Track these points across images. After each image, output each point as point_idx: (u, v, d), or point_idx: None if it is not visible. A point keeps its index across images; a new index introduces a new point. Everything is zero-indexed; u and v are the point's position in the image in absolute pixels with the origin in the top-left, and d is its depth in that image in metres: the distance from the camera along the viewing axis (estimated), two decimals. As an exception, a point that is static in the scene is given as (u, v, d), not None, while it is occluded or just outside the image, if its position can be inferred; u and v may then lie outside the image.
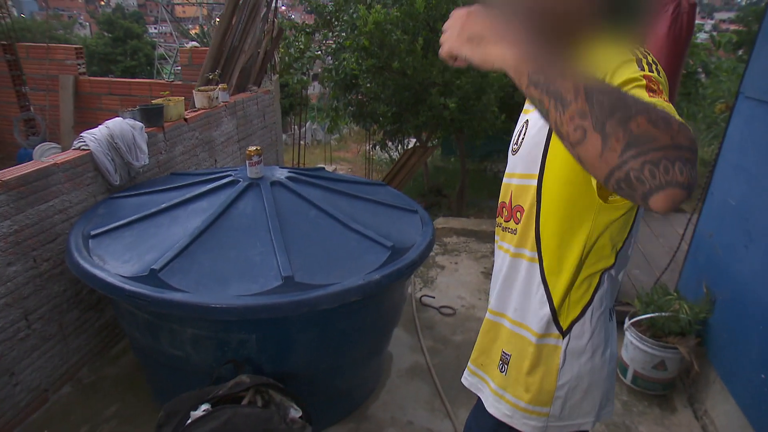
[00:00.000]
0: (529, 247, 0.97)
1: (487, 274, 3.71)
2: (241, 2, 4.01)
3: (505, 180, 1.06)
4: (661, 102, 0.67)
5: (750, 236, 2.15)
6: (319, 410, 1.92)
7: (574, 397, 0.98)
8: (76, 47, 5.23)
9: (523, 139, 0.98)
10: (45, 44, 5.25)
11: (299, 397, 1.77)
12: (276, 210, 2.07)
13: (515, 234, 1.00)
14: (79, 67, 5.18)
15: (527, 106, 1.04)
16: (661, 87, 0.72)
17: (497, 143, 9.91)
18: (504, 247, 1.05)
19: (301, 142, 8.69)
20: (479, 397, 1.12)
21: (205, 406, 1.54)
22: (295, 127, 11.33)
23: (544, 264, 0.96)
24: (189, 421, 1.49)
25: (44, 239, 2.22)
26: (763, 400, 1.94)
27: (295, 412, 1.69)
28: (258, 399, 1.65)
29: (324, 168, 3.09)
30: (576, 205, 0.89)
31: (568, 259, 0.93)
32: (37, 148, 5.06)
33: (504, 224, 1.05)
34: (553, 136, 0.87)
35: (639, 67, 0.75)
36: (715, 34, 7.78)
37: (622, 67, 0.76)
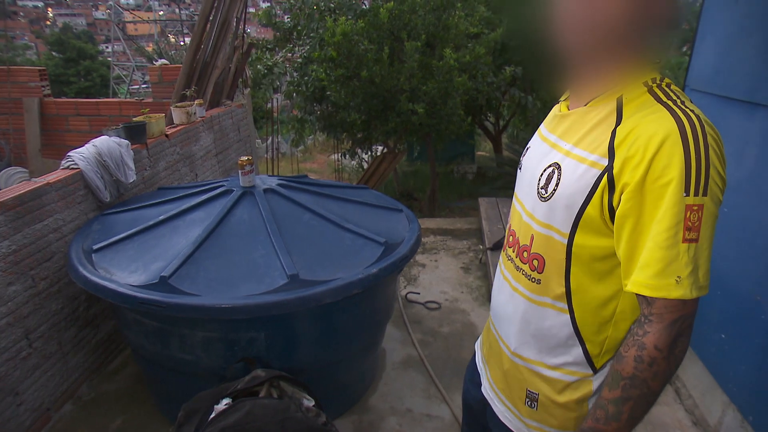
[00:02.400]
0: (557, 297, 0.95)
1: (467, 269, 3.89)
2: (211, 17, 4.08)
3: (525, 218, 1.00)
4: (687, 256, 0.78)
5: (704, 213, 2.39)
6: (322, 405, 2.02)
7: None
8: (39, 69, 5.15)
9: (555, 189, 0.91)
10: (6, 67, 5.16)
11: (309, 387, 1.87)
12: (272, 215, 2.17)
13: (535, 282, 0.98)
14: (43, 89, 5.10)
15: (549, 134, 0.99)
16: (699, 215, 0.77)
17: (462, 146, 10.23)
18: (519, 290, 1.02)
19: (266, 156, 8.75)
20: (500, 419, 1.13)
21: (226, 401, 1.62)
22: (259, 140, 11.35)
23: (575, 316, 0.94)
24: (213, 414, 1.57)
25: (41, 258, 2.24)
26: (723, 356, 2.17)
27: (308, 402, 1.79)
28: (273, 392, 1.75)
29: (307, 176, 3.20)
30: (608, 260, 0.89)
31: (604, 313, 0.93)
32: (2, 173, 4.96)
33: (519, 264, 1.02)
34: (595, 197, 0.85)
35: (685, 184, 0.77)
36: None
37: (671, 186, 0.77)
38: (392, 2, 5.16)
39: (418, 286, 3.65)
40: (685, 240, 0.77)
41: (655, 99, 0.84)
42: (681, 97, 0.85)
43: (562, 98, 1.07)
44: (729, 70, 2.25)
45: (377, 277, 1.97)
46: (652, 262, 0.78)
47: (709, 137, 0.78)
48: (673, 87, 0.87)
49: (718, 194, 0.79)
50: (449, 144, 8.44)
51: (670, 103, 0.82)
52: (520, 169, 1.07)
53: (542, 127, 1.06)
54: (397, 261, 2.09)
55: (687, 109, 0.81)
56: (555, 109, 1.05)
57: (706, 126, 0.79)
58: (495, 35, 5.50)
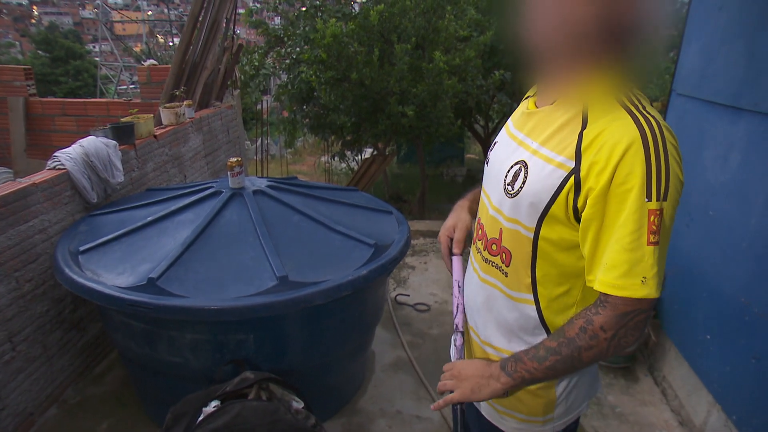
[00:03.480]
0: (523, 288, 0.99)
1: (456, 270, 3.89)
2: (201, 18, 4.06)
3: (491, 212, 1.03)
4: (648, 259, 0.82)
5: (690, 216, 2.43)
6: (312, 407, 2.01)
7: (572, 395, 1.06)
8: (24, 68, 5.08)
9: (521, 187, 0.93)
10: (-10, 66, 5.09)
11: (299, 389, 1.86)
12: (262, 217, 2.16)
13: (504, 275, 1.01)
14: (28, 88, 5.03)
15: (516, 132, 1.01)
16: (663, 216, 0.81)
17: (451, 149, 10.28)
18: (488, 281, 1.06)
19: (255, 157, 8.71)
20: (476, 408, 1.17)
21: (215, 403, 1.61)
22: (248, 142, 11.32)
23: (541, 305, 0.98)
24: (201, 417, 1.56)
25: (26, 260, 2.21)
26: (709, 357, 2.20)
27: (297, 404, 1.78)
28: (262, 394, 1.73)
29: (297, 177, 3.19)
30: (572, 250, 0.92)
31: (567, 300, 0.97)
32: (-14, 173, 4.88)
33: (487, 256, 1.05)
34: (560, 196, 0.88)
35: (647, 190, 0.80)
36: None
37: (634, 192, 0.80)
38: (382, 5, 5.17)
39: (408, 288, 3.66)
40: (650, 243, 0.81)
41: (619, 103, 0.88)
42: (642, 101, 0.89)
43: (529, 93, 1.09)
44: (714, 75, 2.29)
45: (367, 279, 1.97)
46: (618, 264, 0.83)
47: (668, 144, 0.83)
48: (635, 91, 0.90)
49: (677, 197, 0.84)
50: (439, 146, 8.48)
51: (632, 108, 0.86)
52: (487, 163, 1.09)
53: (510, 123, 1.07)
54: (386, 263, 2.09)
55: (648, 115, 0.85)
56: (523, 106, 1.06)
57: (665, 131, 0.83)
58: (484, 38, 5.52)
